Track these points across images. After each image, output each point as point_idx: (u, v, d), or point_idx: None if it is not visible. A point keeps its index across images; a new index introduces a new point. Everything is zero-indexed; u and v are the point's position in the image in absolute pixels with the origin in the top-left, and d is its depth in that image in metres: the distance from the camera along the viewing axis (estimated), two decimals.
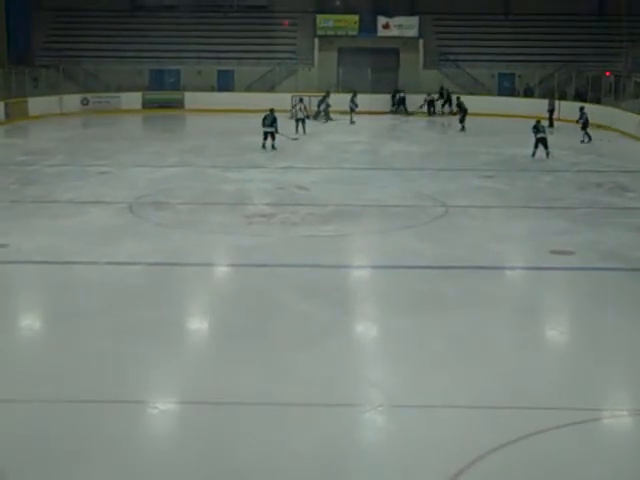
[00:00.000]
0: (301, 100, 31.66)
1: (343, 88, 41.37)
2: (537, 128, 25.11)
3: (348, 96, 37.61)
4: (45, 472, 7.06)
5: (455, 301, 11.59)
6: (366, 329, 10.98)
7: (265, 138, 26.39)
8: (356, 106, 36.49)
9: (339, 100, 37.74)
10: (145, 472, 7.12)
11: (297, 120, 30.80)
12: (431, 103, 39.97)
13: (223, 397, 8.45)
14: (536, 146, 24.95)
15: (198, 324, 11.14)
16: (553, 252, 14.07)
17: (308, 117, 30.78)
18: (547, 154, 24.76)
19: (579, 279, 13.09)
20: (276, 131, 26.28)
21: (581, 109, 29.28)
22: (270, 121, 26.34)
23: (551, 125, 33.17)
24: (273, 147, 26.29)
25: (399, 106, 40.46)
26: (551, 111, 34.38)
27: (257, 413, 8.15)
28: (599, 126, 34.15)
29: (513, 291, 12.75)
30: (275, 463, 7.24)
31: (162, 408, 8.33)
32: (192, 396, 8.56)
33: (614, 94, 35.70)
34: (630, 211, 17.75)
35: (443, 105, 40.08)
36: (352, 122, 35.61)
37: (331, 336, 10.17)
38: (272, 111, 26.56)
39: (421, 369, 9.28)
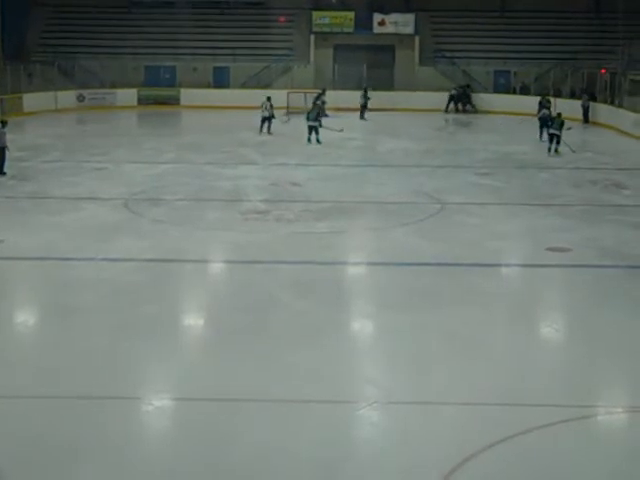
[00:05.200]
0: (268, 99, 30.59)
1: (339, 85, 41.28)
2: (552, 122, 25.70)
3: (345, 93, 37.61)
4: (42, 469, 7.05)
5: (451, 298, 11.59)
6: (362, 326, 10.98)
7: (310, 132, 26.92)
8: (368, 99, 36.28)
9: (335, 97, 37.71)
10: (142, 469, 7.11)
11: (263, 119, 29.76)
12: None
13: (219, 394, 8.44)
14: (550, 141, 25.46)
15: (194, 321, 11.13)
16: (549, 249, 14.07)
17: (274, 116, 30.17)
18: (556, 150, 25.18)
19: (575, 276, 13.10)
20: (320, 125, 26.82)
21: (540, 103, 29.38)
22: (314, 116, 27.02)
23: (587, 121, 34.47)
24: (318, 141, 26.72)
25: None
26: (587, 108, 34.70)
27: (253, 410, 8.15)
28: (594, 123, 34.35)
29: (509, 288, 12.75)
30: (271, 460, 7.23)
31: (158, 405, 8.31)
32: (188, 393, 8.55)
33: (610, 92, 35.72)
34: (626, 208, 17.76)
35: (465, 104, 39.83)
36: (364, 118, 35.71)
37: (327, 333, 10.16)
38: (316, 105, 27.74)
39: (416, 366, 9.28)
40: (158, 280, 12.43)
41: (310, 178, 20.83)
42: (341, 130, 28.64)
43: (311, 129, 26.95)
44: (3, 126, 20.97)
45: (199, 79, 42.08)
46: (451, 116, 38.80)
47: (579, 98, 36.16)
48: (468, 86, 40.47)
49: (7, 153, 20.71)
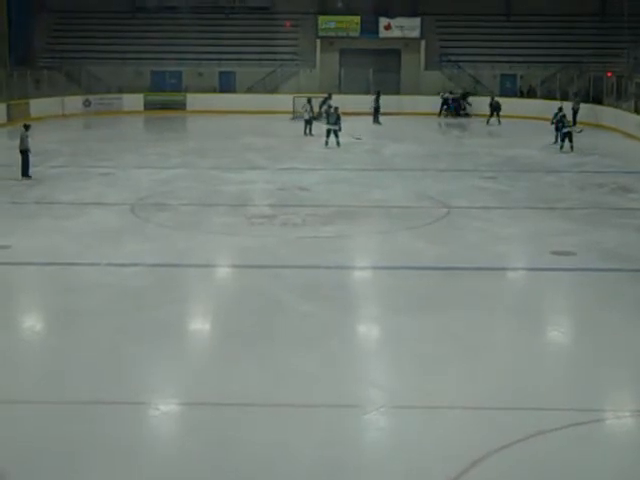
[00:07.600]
0: (309, 101, 31.55)
1: (345, 89, 41.31)
2: (562, 122, 26.82)
3: (352, 97, 37.66)
4: (45, 473, 7.07)
5: (457, 302, 11.58)
6: (368, 330, 10.99)
7: (328, 135, 27.58)
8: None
9: (341, 101, 37.70)
10: (146, 473, 7.13)
11: (305, 121, 30.98)
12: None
13: (225, 398, 8.46)
14: (562, 140, 26.51)
15: (200, 325, 11.15)
16: (554, 253, 14.07)
17: (315, 118, 31.01)
18: (571, 147, 26.20)
19: (580, 280, 13.08)
20: (339, 129, 27.54)
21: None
22: (334, 119, 27.70)
23: (574, 124, 33.95)
24: (338, 144, 27.38)
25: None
26: (576, 110, 34.65)
27: (259, 414, 8.16)
28: (597, 125, 34.29)
29: (514, 292, 12.75)
30: (277, 464, 7.24)
31: (164, 409, 8.34)
32: (194, 397, 8.57)
33: (616, 95, 35.69)
34: (631, 212, 17.73)
35: (463, 109, 39.96)
36: (379, 123, 35.87)
37: (333, 337, 10.18)
38: (336, 109, 28.23)
39: (423, 370, 9.29)
40: (164, 285, 12.46)
41: (317, 182, 20.85)
42: (359, 138, 28.96)
43: (329, 132, 27.53)
44: (26, 130, 21.20)
45: (205, 84, 42.18)
46: (443, 120, 38.80)
47: (571, 100, 36.22)
48: (468, 93, 40.54)
49: (30, 156, 20.90)
